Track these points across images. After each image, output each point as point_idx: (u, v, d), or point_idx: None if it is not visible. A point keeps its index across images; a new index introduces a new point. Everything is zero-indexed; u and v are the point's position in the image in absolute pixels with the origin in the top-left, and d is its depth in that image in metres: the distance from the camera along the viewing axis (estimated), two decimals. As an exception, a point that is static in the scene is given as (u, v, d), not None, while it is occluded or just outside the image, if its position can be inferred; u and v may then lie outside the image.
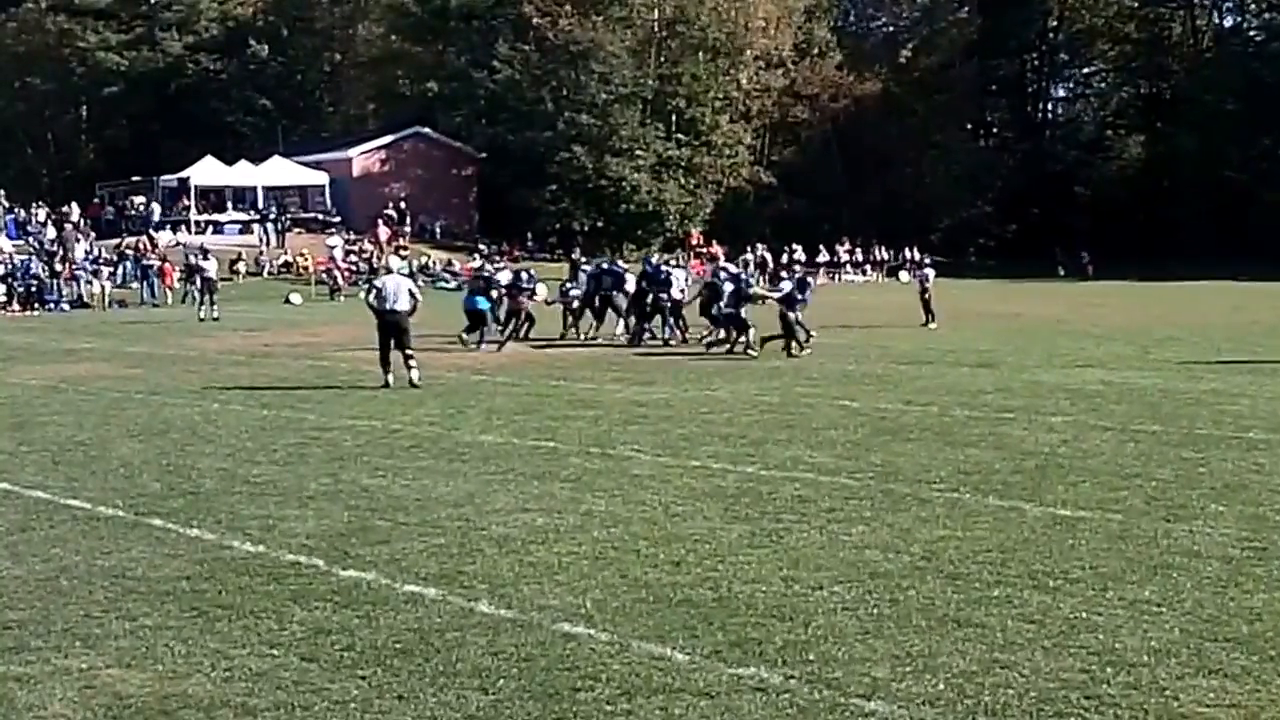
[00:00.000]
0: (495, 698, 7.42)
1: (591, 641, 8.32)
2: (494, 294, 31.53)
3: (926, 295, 35.86)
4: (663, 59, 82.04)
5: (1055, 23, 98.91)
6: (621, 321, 32.56)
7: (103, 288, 52.23)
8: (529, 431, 17.10)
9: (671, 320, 31.33)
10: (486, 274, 33.69)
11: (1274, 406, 18.82)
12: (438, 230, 73.28)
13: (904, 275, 71.98)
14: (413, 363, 22.41)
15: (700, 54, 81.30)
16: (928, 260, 38.22)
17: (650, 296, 31.46)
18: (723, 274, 30.60)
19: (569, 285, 35.27)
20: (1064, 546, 10.49)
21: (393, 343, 22.45)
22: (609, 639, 8.36)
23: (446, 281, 59.85)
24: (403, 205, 70.95)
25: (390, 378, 22.12)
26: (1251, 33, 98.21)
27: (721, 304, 28.37)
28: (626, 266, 35.85)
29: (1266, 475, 13.47)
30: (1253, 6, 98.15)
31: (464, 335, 30.08)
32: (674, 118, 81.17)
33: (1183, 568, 9.80)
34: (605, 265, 34.99)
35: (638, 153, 77.30)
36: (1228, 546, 10.42)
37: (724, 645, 8.22)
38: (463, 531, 11.28)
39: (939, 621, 8.61)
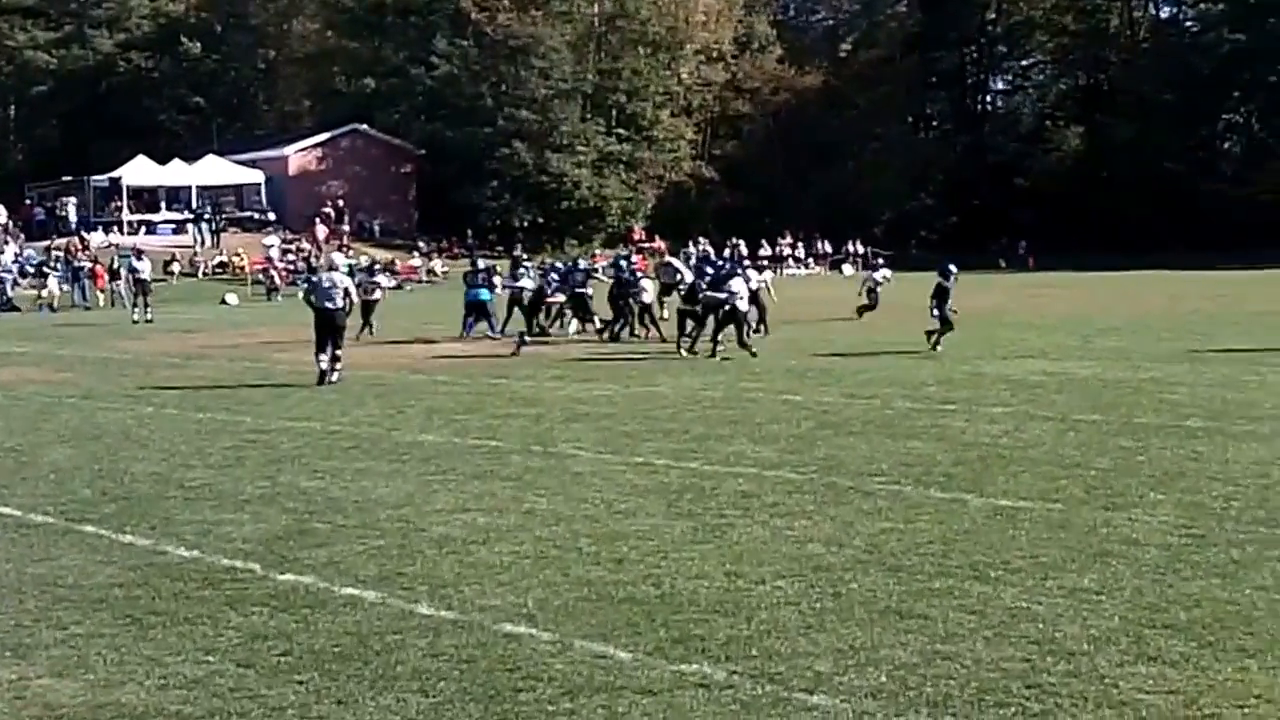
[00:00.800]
0: (435, 700, 7.35)
1: (533, 641, 8.26)
2: (498, 287, 32.47)
3: (874, 291, 36.07)
4: (603, 54, 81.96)
5: (994, 15, 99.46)
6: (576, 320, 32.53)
7: (49, 290, 51.49)
8: (470, 431, 17.00)
9: (647, 320, 31.18)
10: (485, 267, 34.40)
11: (1212, 394, 18.94)
12: (376, 228, 72.96)
13: (847, 268, 72.27)
14: (338, 364, 22.60)
15: (641, 48, 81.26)
16: (881, 260, 37.84)
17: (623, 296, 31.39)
18: (708, 267, 30.75)
19: (512, 280, 35.04)
20: (1005, 537, 10.51)
21: (331, 340, 22.55)
22: (551, 638, 8.29)
23: (386, 281, 59.60)
24: (340, 203, 70.64)
25: (324, 367, 22.42)
26: (1188, 24, 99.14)
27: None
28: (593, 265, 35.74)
29: (1204, 463, 13.55)
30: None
31: (489, 332, 31.22)
32: (615, 113, 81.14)
33: (1122, 556, 9.83)
34: (568, 264, 34.87)
35: (579, 148, 77.19)
36: (1166, 534, 10.46)
37: (667, 642, 8.17)
38: (403, 533, 11.19)
39: (881, 614, 8.60)
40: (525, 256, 44.54)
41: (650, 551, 10.35)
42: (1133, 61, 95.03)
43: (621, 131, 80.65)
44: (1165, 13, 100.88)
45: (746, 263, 37.98)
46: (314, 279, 24.30)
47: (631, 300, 31.17)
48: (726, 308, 25.99)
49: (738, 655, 7.89)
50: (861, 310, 35.45)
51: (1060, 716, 6.85)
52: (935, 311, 26.65)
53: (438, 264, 66.08)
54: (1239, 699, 6.97)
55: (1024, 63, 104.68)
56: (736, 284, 26.42)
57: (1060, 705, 6.98)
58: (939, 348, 26.15)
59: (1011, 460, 13.97)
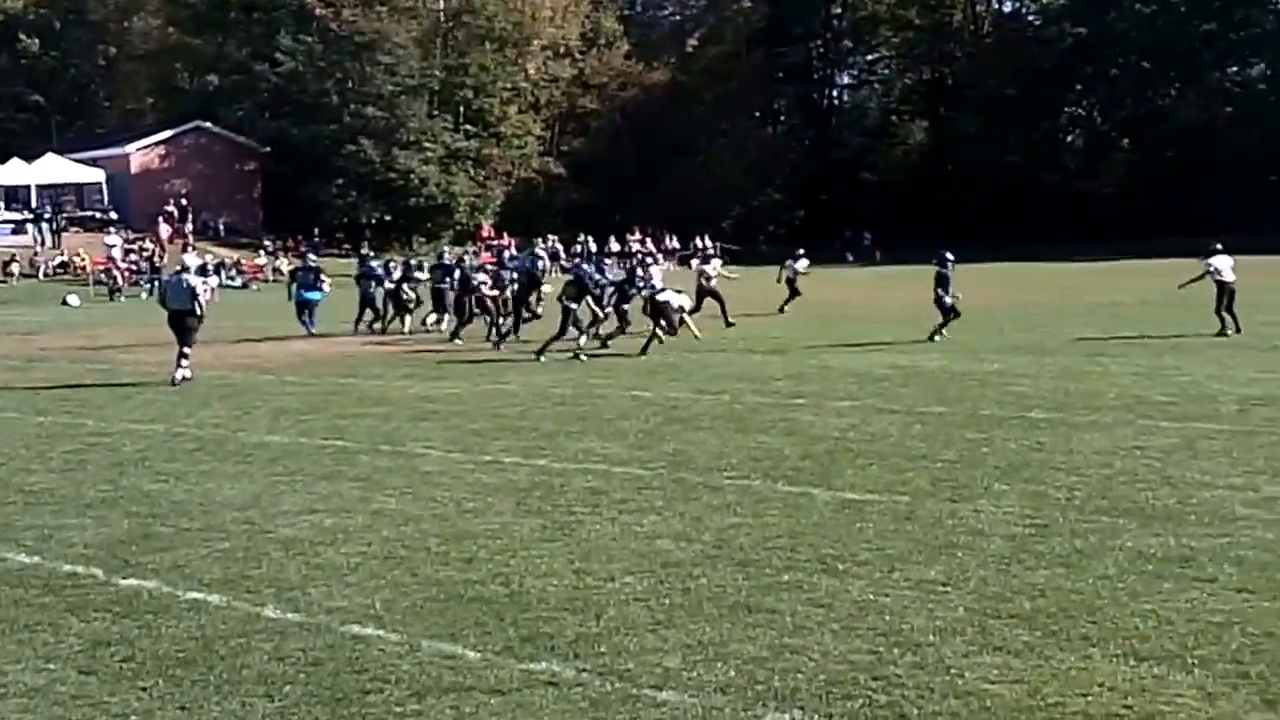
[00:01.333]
0: (281, 704, 7.22)
1: (381, 642, 8.15)
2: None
3: (793, 282, 36.48)
4: (449, 50, 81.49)
5: (839, 10, 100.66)
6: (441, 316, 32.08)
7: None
8: (317, 431, 16.76)
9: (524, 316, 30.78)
10: (314, 267, 34.69)
11: (1054, 386, 19.29)
12: (221, 227, 71.83)
13: (694, 263, 72.58)
14: (185, 362, 22.36)
15: (487, 44, 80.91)
16: (800, 251, 37.67)
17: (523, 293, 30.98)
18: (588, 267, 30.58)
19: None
20: (852, 530, 10.58)
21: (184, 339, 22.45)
22: (399, 639, 8.19)
23: (233, 280, 58.84)
24: (184, 202, 69.33)
25: (190, 372, 22.30)
26: (1030, 18, 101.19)
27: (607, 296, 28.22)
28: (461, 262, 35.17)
29: (1048, 453, 13.78)
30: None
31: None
32: (462, 109, 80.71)
33: (967, 547, 9.95)
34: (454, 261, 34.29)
35: (426, 145, 76.69)
36: (1011, 525, 10.61)
37: (516, 641, 8.11)
38: (248, 535, 10.98)
39: (730, 609, 8.61)
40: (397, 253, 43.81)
41: (499, 550, 10.27)
42: (976, 56, 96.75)
43: (469, 128, 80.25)
44: (1008, 7, 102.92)
45: (654, 257, 38.39)
46: (163, 279, 24.02)
47: (474, 298, 30.97)
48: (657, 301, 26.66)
49: (587, 653, 7.85)
50: (783, 306, 35.84)
51: (906, 707, 6.89)
52: (938, 300, 27.50)
53: (283, 263, 65.19)
54: (1082, 687, 7.07)
55: (869, 58, 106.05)
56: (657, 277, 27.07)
57: (906, 696, 7.03)
58: (938, 337, 26.89)
59: (859, 453, 14.09)
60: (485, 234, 75.05)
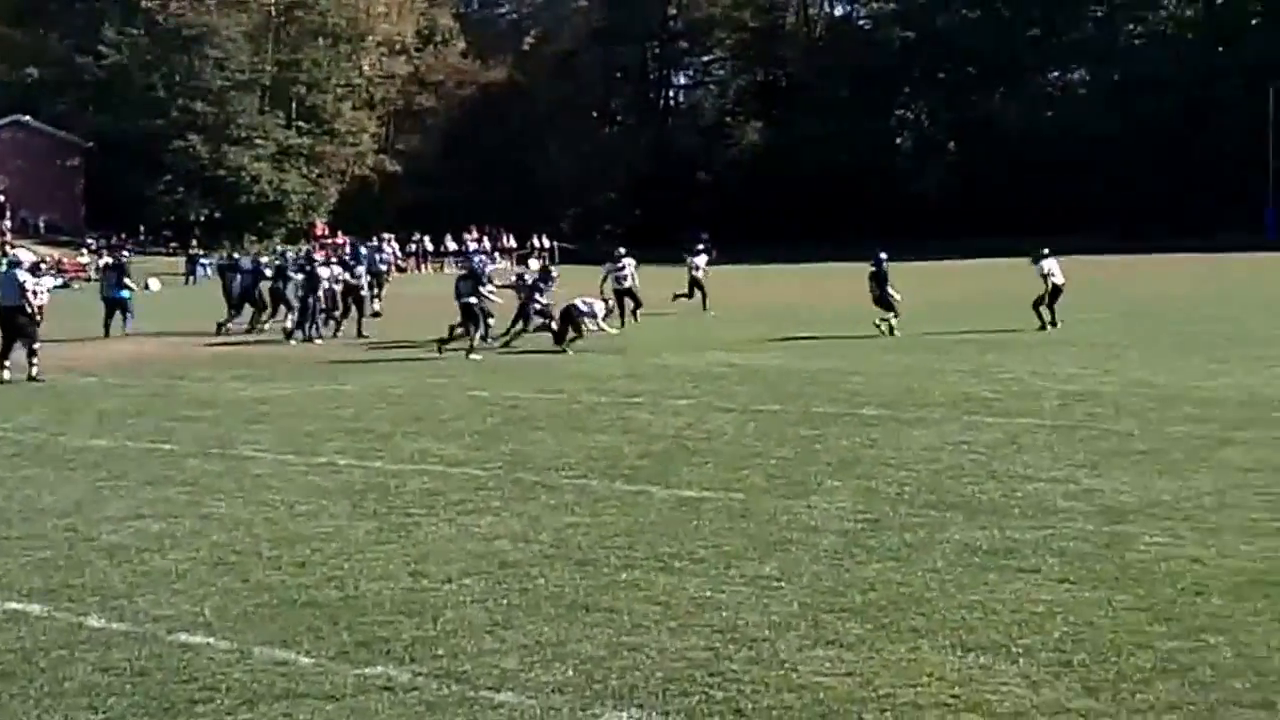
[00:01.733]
0: (107, 716, 7.06)
1: (211, 650, 8.00)
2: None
3: (700, 278, 36.35)
4: (281, 44, 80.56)
5: (675, 11, 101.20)
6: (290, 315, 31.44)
7: None
8: (143, 434, 16.42)
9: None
10: (120, 264, 33.96)
11: (885, 383, 19.61)
12: (42, 225, 70.07)
13: (533, 263, 72.48)
14: (35, 359, 22.06)
15: (320, 40, 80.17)
16: (700, 247, 37.65)
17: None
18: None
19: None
20: (689, 528, 10.65)
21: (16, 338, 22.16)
22: (229, 647, 8.05)
23: (54, 280, 57.37)
24: (1, 199, 67.50)
25: (6, 374, 21.80)
26: (861, 21, 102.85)
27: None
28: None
29: (879, 449, 14.00)
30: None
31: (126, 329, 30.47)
32: (295, 105, 79.81)
33: (801, 543, 10.07)
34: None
35: (257, 141, 75.70)
36: (843, 520, 10.75)
37: (350, 645, 8.02)
38: (70, 543, 10.70)
39: (568, 608, 8.61)
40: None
41: (333, 554, 10.16)
42: (809, 58, 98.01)
43: (302, 124, 79.37)
44: (839, 10, 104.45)
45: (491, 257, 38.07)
46: None
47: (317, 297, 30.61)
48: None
49: (423, 656, 7.79)
50: (677, 296, 36.10)
51: (742, 702, 6.95)
52: (877, 297, 28.23)
53: (108, 261, 63.79)
54: (911, 678, 7.19)
55: (705, 59, 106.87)
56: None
57: (742, 691, 7.09)
58: (896, 333, 27.27)
59: (695, 451, 14.19)
60: (319, 232, 74.26)
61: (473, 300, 25.87)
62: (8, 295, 22.18)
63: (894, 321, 27.76)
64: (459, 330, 26.23)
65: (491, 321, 27.26)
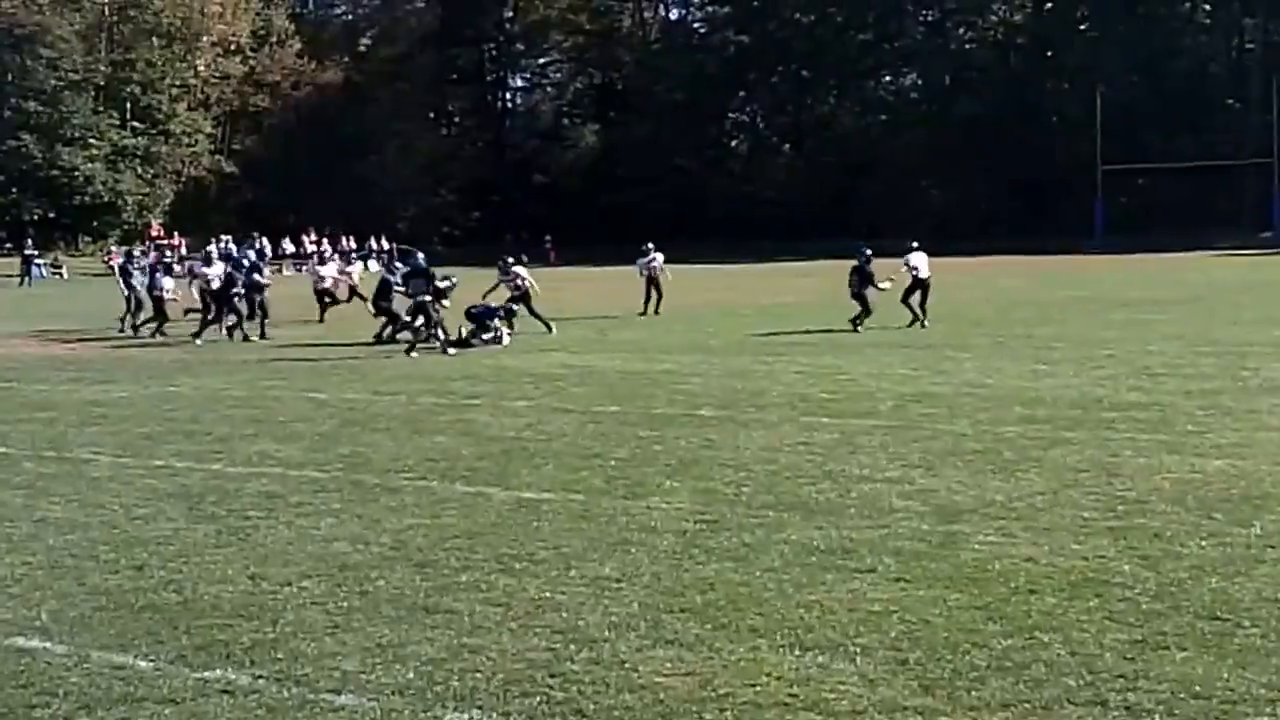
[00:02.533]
0: (-63, 724, 6.91)
1: (47, 655, 7.87)
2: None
3: (656, 280, 35.11)
4: (115, 44, 79.02)
5: (511, 13, 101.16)
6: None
7: None
8: (-27, 438, 16.05)
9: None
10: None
11: (723, 384, 19.80)
12: None
13: (373, 265, 71.96)
14: None
15: (154, 39, 78.82)
16: (651, 246, 36.18)
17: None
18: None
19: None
20: (529, 529, 10.68)
21: None
22: (66, 651, 7.93)
23: None
24: None
25: None
26: (696, 25, 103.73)
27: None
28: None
29: (717, 450, 14.14)
30: (695, 0, 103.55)
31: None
32: (129, 105, 78.36)
33: (641, 543, 10.15)
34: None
35: (91, 141, 74.22)
36: (682, 520, 10.86)
37: (189, 649, 7.94)
38: (-103, 549, 10.44)
39: (409, 610, 8.60)
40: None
41: (171, 557, 10.03)
42: (645, 61, 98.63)
43: (136, 125, 77.97)
44: (674, 14, 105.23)
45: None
46: None
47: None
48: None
49: (263, 659, 7.74)
50: (653, 308, 35.16)
51: (583, 703, 7.00)
52: (855, 293, 28.42)
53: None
54: (750, 678, 7.29)
55: (541, 61, 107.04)
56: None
57: (583, 692, 7.14)
58: (861, 330, 27.58)
59: (535, 453, 14.22)
60: (154, 233, 72.90)
61: (427, 297, 26.00)
62: None
63: (865, 321, 28.15)
64: (389, 330, 27.08)
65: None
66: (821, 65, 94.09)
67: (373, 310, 28.97)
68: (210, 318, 29.75)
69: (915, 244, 30.16)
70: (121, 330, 31.60)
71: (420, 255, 29.43)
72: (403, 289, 27.20)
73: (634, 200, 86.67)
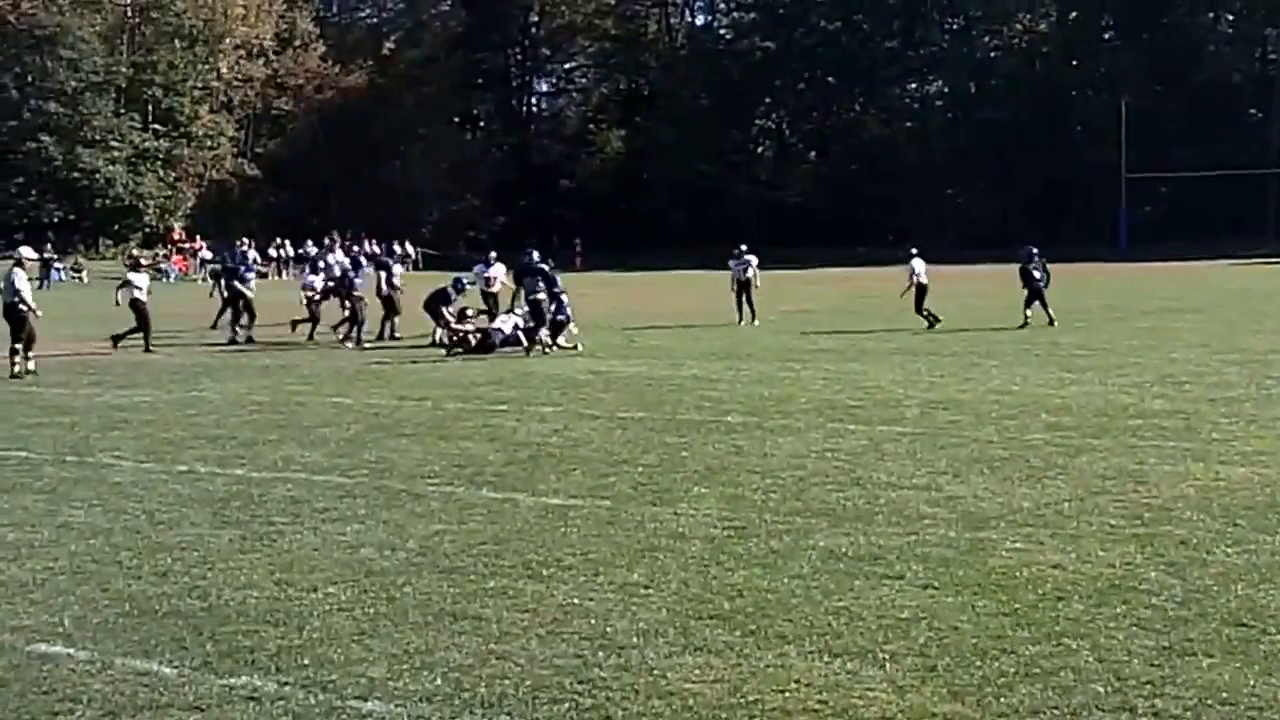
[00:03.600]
0: (-37, 729, 6.90)
1: (70, 661, 7.84)
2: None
3: (747, 288, 33.55)
4: (136, 46, 79.22)
5: (536, 18, 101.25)
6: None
7: None
8: (-2, 441, 16.07)
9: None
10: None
11: (750, 391, 19.75)
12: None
13: (398, 269, 72.09)
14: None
15: (177, 41, 78.99)
16: (744, 248, 35.07)
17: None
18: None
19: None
20: (556, 535, 10.64)
21: None
22: (89, 657, 7.89)
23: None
24: None
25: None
26: (721, 31, 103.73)
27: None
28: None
29: (744, 456, 14.09)
30: (722, 6, 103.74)
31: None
32: (151, 108, 78.54)
33: (669, 549, 10.10)
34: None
35: (112, 144, 74.40)
36: (710, 527, 10.81)
37: (214, 655, 7.91)
38: (-78, 552, 10.45)
39: (436, 617, 8.56)
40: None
41: (195, 562, 10.00)
42: (671, 66, 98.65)
43: (158, 127, 78.14)
44: (700, 20, 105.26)
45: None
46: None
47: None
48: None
49: (289, 665, 7.71)
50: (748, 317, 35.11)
51: (611, 709, 6.96)
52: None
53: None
54: (779, 684, 7.25)
55: (567, 66, 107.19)
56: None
57: (611, 699, 7.10)
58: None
59: (562, 459, 14.18)
60: (176, 237, 73.11)
61: (541, 297, 26.28)
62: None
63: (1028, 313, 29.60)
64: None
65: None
66: (847, 72, 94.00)
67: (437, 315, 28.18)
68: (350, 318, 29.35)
69: (915, 250, 30.59)
70: (235, 339, 30.30)
71: (535, 253, 29.24)
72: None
73: (659, 205, 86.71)
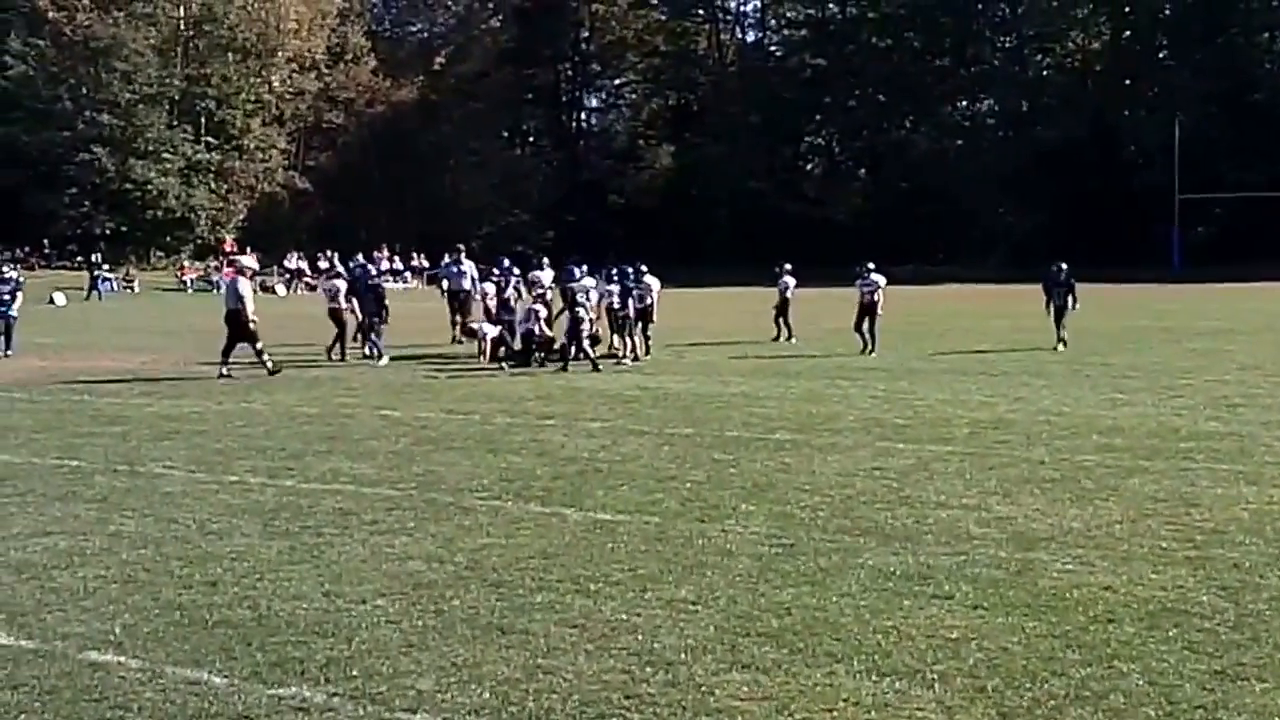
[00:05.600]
0: (15, 735, 6.95)
1: (121, 669, 7.89)
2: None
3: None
4: (190, 59, 79.80)
5: (587, 34, 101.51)
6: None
7: None
8: (50, 450, 16.17)
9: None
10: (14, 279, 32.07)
11: (798, 408, 19.71)
12: (-60, 237, 68.90)
13: (445, 284, 72.35)
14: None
15: (230, 54, 79.52)
16: (788, 267, 34.55)
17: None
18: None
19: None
20: (604, 550, 10.64)
21: None
22: (140, 666, 7.95)
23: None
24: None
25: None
26: (772, 48, 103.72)
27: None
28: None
29: (792, 474, 14.06)
30: (773, 22, 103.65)
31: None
32: (203, 120, 79.08)
33: (716, 566, 10.09)
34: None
35: (165, 155, 74.90)
36: (758, 544, 10.79)
37: (264, 666, 7.95)
38: (-24, 559, 10.53)
39: (483, 630, 8.57)
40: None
41: (245, 573, 10.05)
42: (721, 83, 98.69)
43: (211, 140, 78.66)
44: (751, 36, 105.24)
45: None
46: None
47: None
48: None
49: (337, 676, 7.73)
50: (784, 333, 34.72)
51: (658, 726, 6.96)
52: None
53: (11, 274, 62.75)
54: (827, 703, 7.22)
55: (617, 81, 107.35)
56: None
57: (659, 715, 7.09)
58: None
59: (609, 474, 14.18)
60: (228, 249, 73.58)
61: (581, 314, 26.48)
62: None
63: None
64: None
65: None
66: (898, 89, 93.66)
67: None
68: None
69: (871, 266, 30.20)
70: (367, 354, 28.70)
71: (641, 265, 29.34)
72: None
73: (709, 222, 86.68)
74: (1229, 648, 8.06)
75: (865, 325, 29.70)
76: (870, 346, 29.27)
